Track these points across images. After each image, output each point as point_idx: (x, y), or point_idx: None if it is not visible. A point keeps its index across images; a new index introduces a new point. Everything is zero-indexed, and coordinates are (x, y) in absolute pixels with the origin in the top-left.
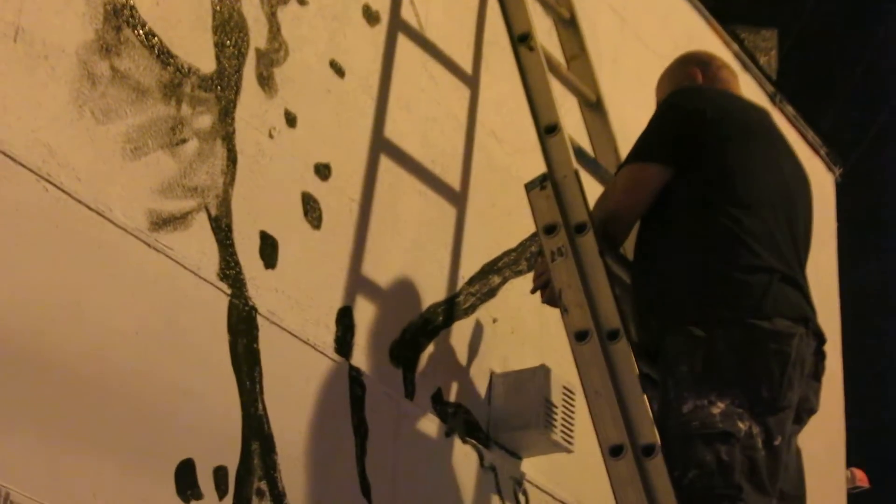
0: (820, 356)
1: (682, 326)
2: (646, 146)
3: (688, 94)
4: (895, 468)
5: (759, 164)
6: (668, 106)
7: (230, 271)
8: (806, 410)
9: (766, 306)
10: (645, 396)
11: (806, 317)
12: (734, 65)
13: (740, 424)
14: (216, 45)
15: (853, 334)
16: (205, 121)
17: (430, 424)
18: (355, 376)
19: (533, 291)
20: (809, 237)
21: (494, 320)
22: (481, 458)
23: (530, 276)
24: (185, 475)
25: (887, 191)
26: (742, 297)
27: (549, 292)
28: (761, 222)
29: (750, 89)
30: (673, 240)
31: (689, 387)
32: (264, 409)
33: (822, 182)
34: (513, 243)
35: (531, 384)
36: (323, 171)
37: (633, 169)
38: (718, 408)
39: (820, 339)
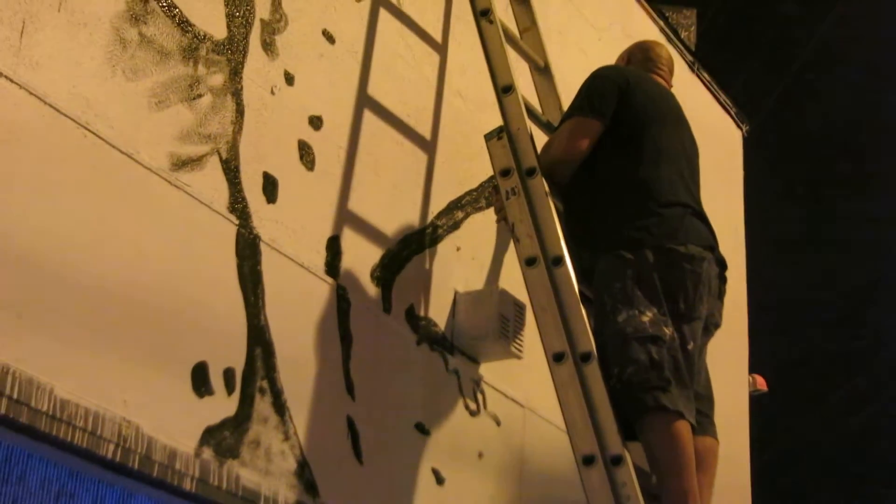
0: (722, 279)
1: (614, 250)
2: (586, 103)
3: (613, 68)
4: None
5: (668, 128)
6: (597, 76)
7: (238, 205)
8: (713, 324)
9: (681, 235)
10: (584, 311)
11: (711, 245)
12: (660, 37)
13: (665, 329)
14: (227, 15)
15: None
16: (217, 79)
17: (403, 335)
18: (342, 294)
19: (498, 222)
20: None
21: (458, 248)
22: (446, 362)
23: (489, 211)
24: (200, 375)
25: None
26: (662, 226)
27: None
28: (676, 170)
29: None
30: (604, 184)
31: (622, 300)
32: (266, 320)
33: (731, 137)
34: (474, 184)
35: (488, 301)
36: (316, 122)
37: (578, 121)
38: (647, 316)
39: (722, 265)
